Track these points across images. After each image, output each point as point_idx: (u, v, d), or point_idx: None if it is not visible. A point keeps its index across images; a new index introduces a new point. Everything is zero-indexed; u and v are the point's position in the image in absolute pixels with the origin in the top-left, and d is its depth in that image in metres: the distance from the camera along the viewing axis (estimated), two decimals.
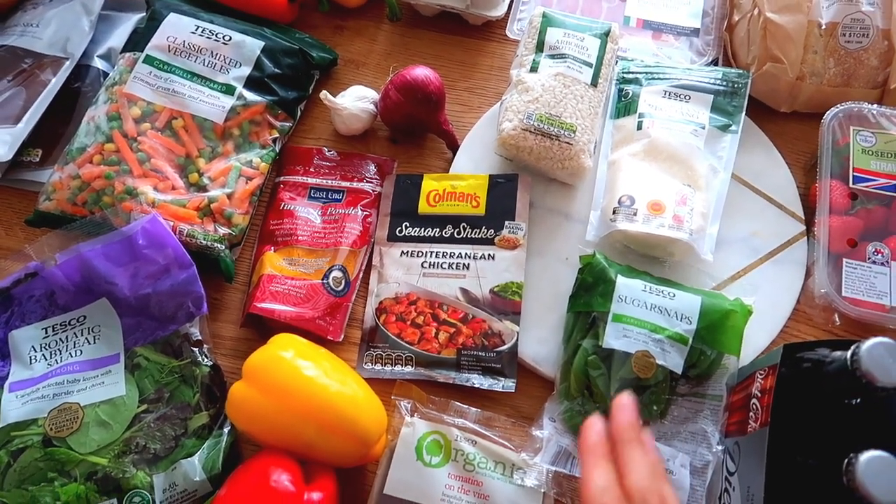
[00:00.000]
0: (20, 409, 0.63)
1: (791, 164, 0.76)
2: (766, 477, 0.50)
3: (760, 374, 0.57)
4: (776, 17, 0.73)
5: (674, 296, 0.64)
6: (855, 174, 0.69)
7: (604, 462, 0.48)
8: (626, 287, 0.64)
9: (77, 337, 0.68)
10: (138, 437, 0.63)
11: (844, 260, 0.66)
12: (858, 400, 0.47)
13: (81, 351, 0.67)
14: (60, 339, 0.68)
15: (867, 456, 0.43)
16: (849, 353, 0.47)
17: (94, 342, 0.68)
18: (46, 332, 0.68)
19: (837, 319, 0.67)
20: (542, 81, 0.71)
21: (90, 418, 0.63)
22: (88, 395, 0.64)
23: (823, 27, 0.73)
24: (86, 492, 0.60)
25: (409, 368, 0.68)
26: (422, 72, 0.75)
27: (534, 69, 0.73)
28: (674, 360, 0.61)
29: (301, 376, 0.59)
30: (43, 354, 0.67)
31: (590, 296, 0.65)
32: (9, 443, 0.62)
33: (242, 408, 0.60)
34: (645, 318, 0.63)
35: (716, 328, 0.63)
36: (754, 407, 0.56)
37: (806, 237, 0.72)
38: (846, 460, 0.45)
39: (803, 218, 0.73)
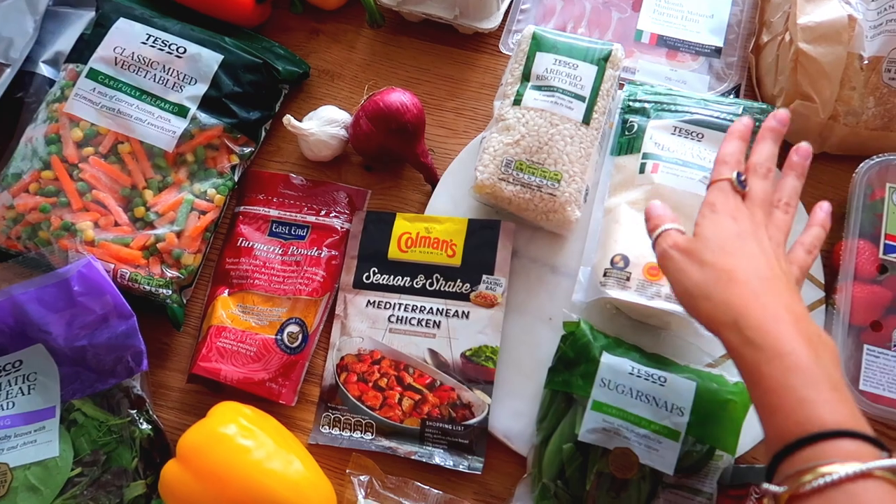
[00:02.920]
0: None
1: None
2: None
3: (756, 493, 0.49)
4: (810, 49, 0.62)
5: (665, 381, 0.56)
6: (887, 242, 0.60)
7: (739, 141, 0.53)
8: (611, 369, 0.57)
9: (11, 385, 0.62)
10: None
11: (865, 346, 0.58)
12: None
13: (14, 403, 0.62)
14: None
15: None
16: None
17: (29, 392, 0.62)
18: None
19: None
20: (526, 119, 0.62)
21: (19, 482, 0.59)
22: (19, 454, 0.60)
23: (865, 61, 0.63)
24: None
25: (368, 436, 0.62)
26: (397, 98, 0.66)
27: (517, 102, 0.63)
28: (663, 460, 0.54)
29: (240, 460, 0.54)
30: None
31: (570, 374, 0.58)
32: None
33: (175, 491, 0.54)
34: (629, 409, 0.55)
35: (711, 421, 0.55)
36: None
37: (825, 305, 0.63)
38: None
39: (823, 283, 0.64)
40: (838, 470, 0.36)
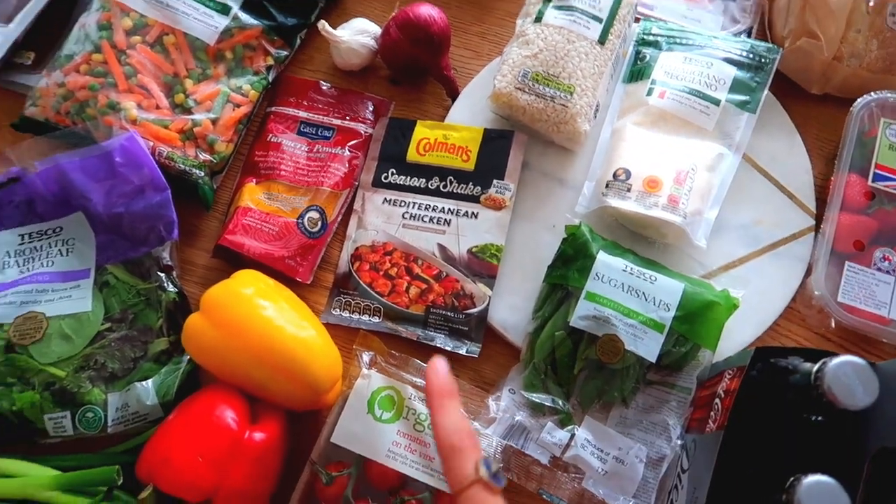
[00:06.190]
0: None
1: (812, 152, 0.71)
2: (711, 482, 0.48)
3: (729, 374, 0.54)
4: None
5: (655, 279, 0.60)
6: (877, 171, 0.64)
7: (454, 401, 0.43)
8: (606, 265, 0.61)
9: (51, 248, 0.67)
10: (98, 355, 0.63)
11: (847, 263, 0.62)
12: (819, 418, 0.44)
13: (53, 262, 0.67)
14: (35, 248, 0.68)
15: (811, 480, 0.41)
16: (814, 369, 0.44)
17: (67, 255, 0.67)
18: (22, 239, 0.68)
19: (833, 325, 0.63)
20: (545, 35, 0.66)
21: (53, 330, 0.63)
22: (55, 306, 0.64)
23: (871, 3, 0.66)
24: (41, 401, 0.60)
25: (375, 319, 0.67)
26: (426, 10, 0.70)
27: (538, 19, 0.67)
28: (646, 348, 0.58)
29: (257, 316, 0.58)
30: (16, 261, 0.67)
31: (567, 269, 0.62)
32: None
33: (197, 340, 0.59)
34: (619, 301, 0.59)
35: (695, 319, 0.59)
36: (716, 406, 0.53)
37: (814, 233, 0.67)
38: (790, 480, 0.42)
39: (814, 212, 0.68)
40: None
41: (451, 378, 0.40)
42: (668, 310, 0.59)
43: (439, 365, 0.41)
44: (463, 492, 0.37)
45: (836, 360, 0.43)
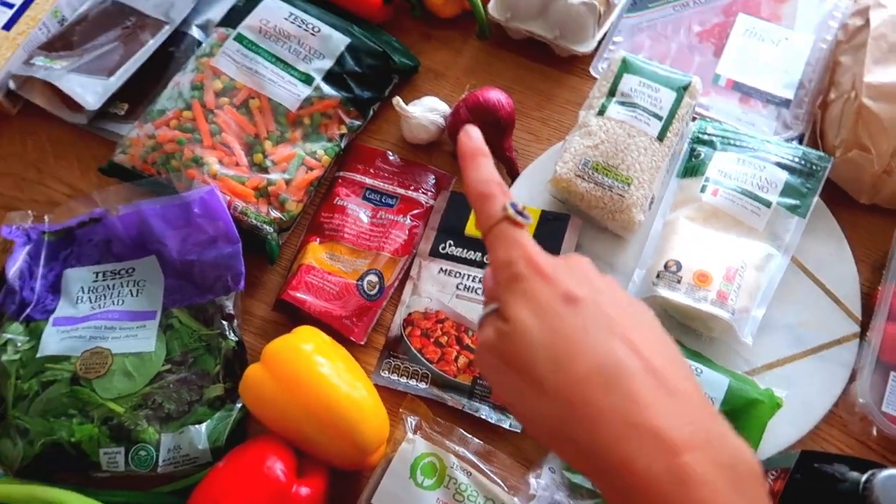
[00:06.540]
0: (58, 343, 0.67)
1: (859, 260, 0.72)
2: None
3: (772, 475, 0.54)
4: (872, 105, 0.69)
5: (700, 372, 0.62)
6: None
7: (484, 158, 0.43)
8: None
9: (122, 287, 0.71)
10: (156, 395, 0.66)
11: (892, 373, 0.62)
12: None
13: (123, 301, 0.70)
14: (108, 286, 0.72)
15: None
16: (863, 479, 0.45)
17: (137, 295, 0.71)
18: (97, 277, 0.72)
19: (875, 433, 0.63)
20: (607, 128, 0.70)
21: (117, 366, 0.66)
22: (121, 343, 0.68)
23: None
24: (98, 435, 0.63)
25: (423, 385, 0.69)
26: (495, 95, 0.75)
27: (601, 112, 0.71)
28: None
29: (314, 372, 0.61)
30: (89, 297, 0.71)
31: None
32: (41, 373, 0.66)
33: (254, 389, 0.61)
34: None
35: (738, 415, 0.60)
36: None
37: (858, 340, 0.68)
38: None
39: (860, 319, 0.69)
40: None
41: (483, 142, 0.43)
42: (713, 404, 0.60)
43: (472, 130, 0.43)
44: (491, 229, 0.39)
45: (885, 473, 0.44)
